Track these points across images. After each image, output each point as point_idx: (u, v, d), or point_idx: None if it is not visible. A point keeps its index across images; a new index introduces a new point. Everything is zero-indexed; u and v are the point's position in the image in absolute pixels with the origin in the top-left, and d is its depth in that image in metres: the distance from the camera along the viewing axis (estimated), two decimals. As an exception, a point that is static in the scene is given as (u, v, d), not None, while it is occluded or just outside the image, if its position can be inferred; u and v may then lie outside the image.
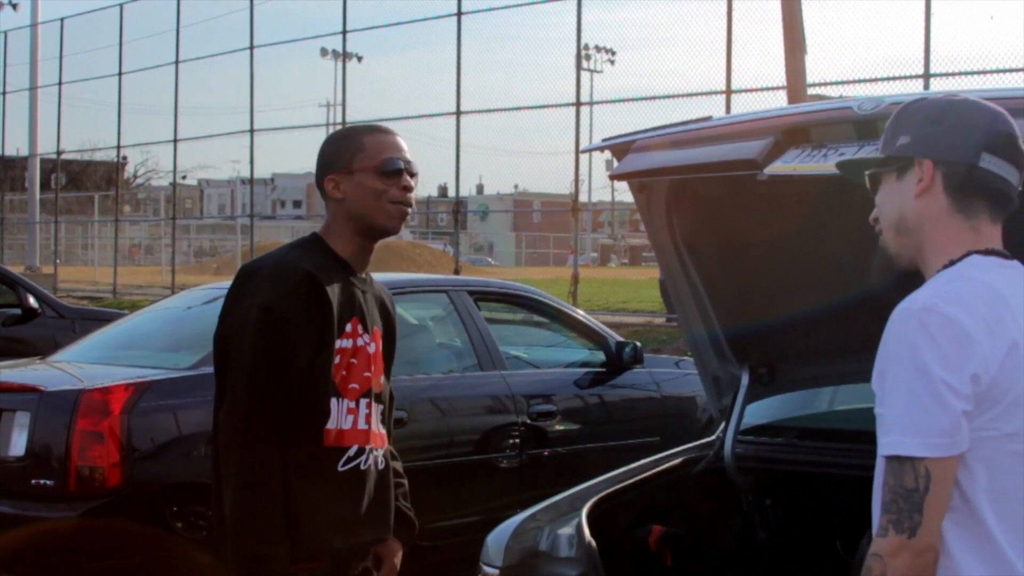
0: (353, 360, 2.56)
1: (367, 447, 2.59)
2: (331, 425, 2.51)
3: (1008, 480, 1.79)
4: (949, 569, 1.78)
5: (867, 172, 2.01)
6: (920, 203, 1.91)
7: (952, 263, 1.88)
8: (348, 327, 2.55)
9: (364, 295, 2.63)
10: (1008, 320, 1.79)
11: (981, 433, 1.76)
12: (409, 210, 2.64)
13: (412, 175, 2.63)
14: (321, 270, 2.51)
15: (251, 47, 23.28)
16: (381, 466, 2.64)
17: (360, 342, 2.58)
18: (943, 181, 1.90)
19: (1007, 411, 1.77)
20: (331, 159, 2.62)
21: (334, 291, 2.51)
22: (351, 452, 2.55)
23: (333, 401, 2.51)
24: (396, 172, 2.58)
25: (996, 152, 1.89)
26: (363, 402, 2.58)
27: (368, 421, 2.59)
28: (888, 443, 1.76)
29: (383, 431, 2.67)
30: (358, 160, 2.58)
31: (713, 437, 3.93)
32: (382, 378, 2.68)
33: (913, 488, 1.74)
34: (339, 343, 2.52)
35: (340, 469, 2.53)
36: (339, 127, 22.36)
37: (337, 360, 2.52)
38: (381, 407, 2.67)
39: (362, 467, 2.58)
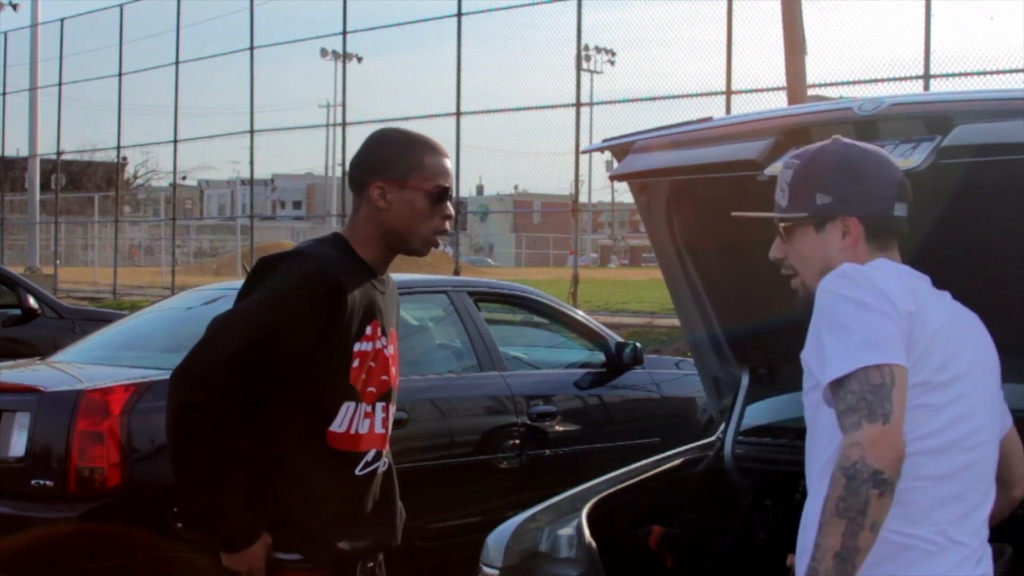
0: (372, 364, 2.50)
1: (384, 451, 2.57)
2: (340, 428, 2.45)
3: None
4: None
5: (782, 224, 2.22)
6: (847, 253, 2.15)
7: None
8: (368, 330, 2.48)
9: (383, 297, 2.57)
10: (928, 298, 2.07)
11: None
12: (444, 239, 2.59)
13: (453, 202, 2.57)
14: (346, 272, 2.44)
15: (251, 48, 23.30)
16: (384, 467, 2.61)
17: (379, 344, 2.52)
18: (865, 232, 2.15)
19: (918, 360, 1.98)
20: (384, 164, 2.50)
21: (355, 296, 2.44)
22: (369, 457, 2.52)
23: (348, 405, 2.45)
24: (446, 201, 2.52)
25: (902, 199, 2.17)
26: (380, 406, 2.53)
27: (385, 425, 2.55)
28: (847, 363, 1.90)
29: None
30: (415, 177, 2.48)
31: (713, 438, 3.93)
32: (398, 379, 2.63)
33: (880, 383, 1.88)
34: (358, 346, 2.46)
35: (358, 474, 2.50)
36: (339, 127, 22.40)
37: (356, 364, 2.45)
38: (394, 407, 2.62)
39: (379, 471, 2.56)
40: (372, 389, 2.50)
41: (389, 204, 2.48)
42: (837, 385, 1.92)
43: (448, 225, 2.55)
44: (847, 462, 1.85)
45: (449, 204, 2.53)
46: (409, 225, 2.50)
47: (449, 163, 2.56)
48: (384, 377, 2.54)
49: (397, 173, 2.48)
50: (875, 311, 1.95)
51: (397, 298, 2.70)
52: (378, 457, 2.54)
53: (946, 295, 2.17)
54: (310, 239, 2.62)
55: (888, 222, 2.15)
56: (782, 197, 2.22)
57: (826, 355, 1.97)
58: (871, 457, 1.83)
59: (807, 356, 2.08)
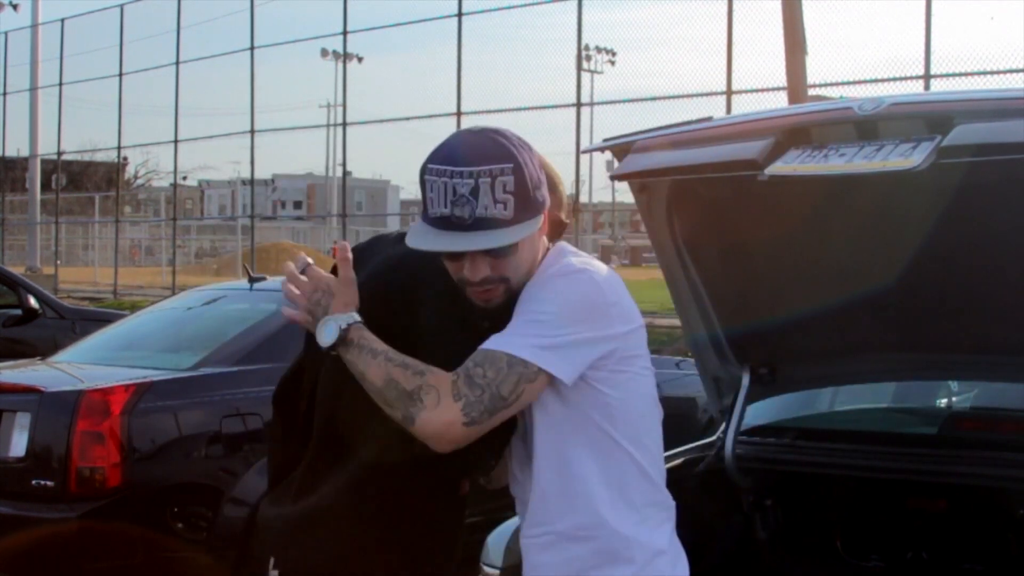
0: None
1: None
2: None
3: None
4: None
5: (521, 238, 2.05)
6: (540, 243, 2.14)
7: (546, 252, 2.15)
8: None
9: None
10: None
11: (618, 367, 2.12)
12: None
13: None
14: None
15: (252, 48, 23.32)
16: None
17: None
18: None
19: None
20: None
21: None
22: None
23: None
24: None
25: None
26: None
27: None
28: (523, 344, 1.95)
29: None
30: None
31: (714, 438, 3.93)
32: None
33: (508, 394, 1.95)
34: None
35: None
36: (339, 127, 22.39)
37: None
38: None
39: None
40: None
41: None
42: (491, 353, 1.96)
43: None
44: (418, 393, 1.95)
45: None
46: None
47: None
48: None
49: None
50: (599, 336, 2.06)
51: None
52: None
53: None
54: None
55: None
56: (505, 210, 1.98)
57: (515, 324, 1.99)
58: (431, 420, 1.94)
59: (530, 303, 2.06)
